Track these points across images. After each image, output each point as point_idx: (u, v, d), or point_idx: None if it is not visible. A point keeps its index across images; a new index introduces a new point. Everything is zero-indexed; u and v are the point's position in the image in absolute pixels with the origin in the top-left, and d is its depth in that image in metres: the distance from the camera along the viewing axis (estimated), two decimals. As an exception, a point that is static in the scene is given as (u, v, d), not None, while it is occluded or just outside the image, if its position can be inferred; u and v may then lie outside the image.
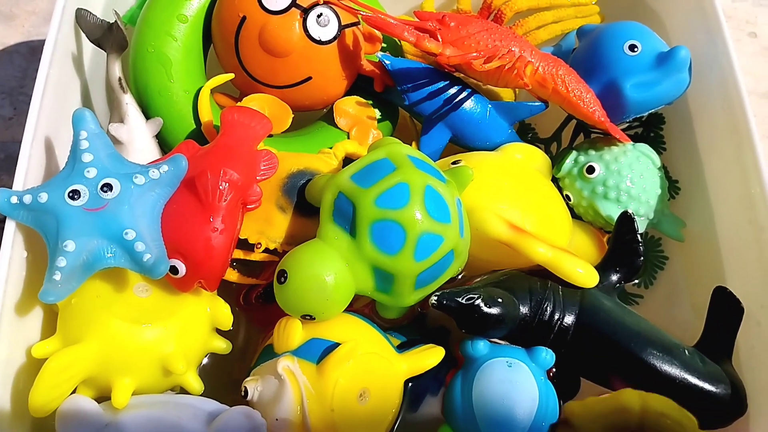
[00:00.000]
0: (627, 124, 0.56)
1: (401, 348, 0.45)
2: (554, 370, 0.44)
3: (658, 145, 0.56)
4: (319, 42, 0.50)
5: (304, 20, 0.49)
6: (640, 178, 0.50)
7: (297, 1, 0.49)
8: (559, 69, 0.51)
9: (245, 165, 0.43)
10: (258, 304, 0.48)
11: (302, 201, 0.46)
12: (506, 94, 0.58)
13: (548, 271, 0.44)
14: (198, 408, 0.41)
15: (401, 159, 0.42)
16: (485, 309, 0.41)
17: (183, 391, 0.44)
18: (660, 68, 0.51)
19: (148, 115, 0.50)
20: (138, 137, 0.49)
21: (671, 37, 0.57)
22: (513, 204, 0.47)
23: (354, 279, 0.41)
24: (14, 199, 0.39)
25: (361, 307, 0.47)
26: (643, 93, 0.50)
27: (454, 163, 0.49)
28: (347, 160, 0.50)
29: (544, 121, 0.57)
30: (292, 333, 0.42)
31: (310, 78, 0.51)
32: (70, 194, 0.39)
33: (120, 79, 0.50)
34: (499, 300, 0.42)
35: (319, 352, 0.41)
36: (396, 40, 0.56)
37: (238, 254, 0.46)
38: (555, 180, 0.53)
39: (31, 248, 0.42)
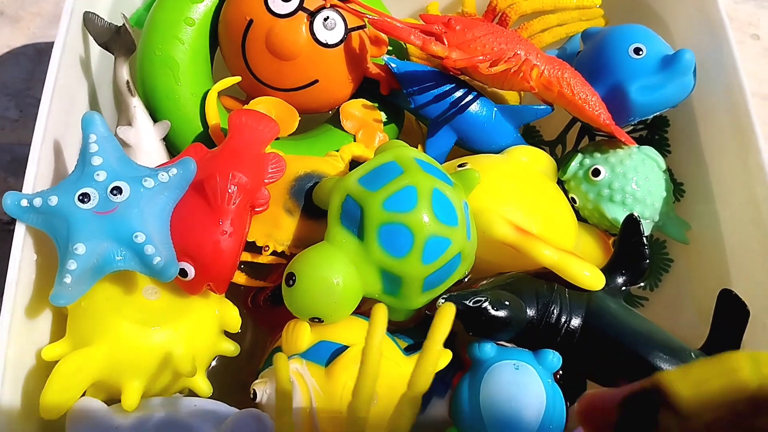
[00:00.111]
0: (632, 127, 0.56)
1: (409, 350, 0.45)
2: (561, 372, 0.44)
3: (663, 147, 0.56)
4: (326, 45, 0.50)
5: (311, 23, 0.50)
6: (645, 181, 0.51)
7: (304, 5, 0.49)
8: (564, 72, 0.51)
9: (253, 168, 0.43)
10: (266, 306, 0.48)
11: (310, 204, 0.46)
12: (511, 97, 0.58)
13: (555, 273, 0.44)
14: (207, 410, 0.41)
15: (408, 162, 0.42)
16: (492, 312, 0.42)
17: (192, 393, 0.44)
18: (665, 71, 0.51)
19: (155, 118, 0.51)
20: (146, 140, 0.49)
21: (675, 40, 0.57)
22: (519, 207, 0.47)
23: (362, 282, 0.42)
24: (24, 202, 0.39)
25: (369, 309, 0.47)
26: (648, 96, 0.51)
27: (460, 165, 0.49)
28: (354, 163, 0.50)
29: (549, 123, 0.57)
30: (300, 336, 0.42)
31: (316, 81, 0.51)
32: (80, 197, 0.39)
33: (128, 82, 0.50)
34: (506, 303, 0.42)
35: (328, 354, 0.41)
36: (402, 43, 0.56)
37: (246, 257, 0.46)
38: (560, 183, 0.53)
39: (41, 251, 0.42)
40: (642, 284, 0.55)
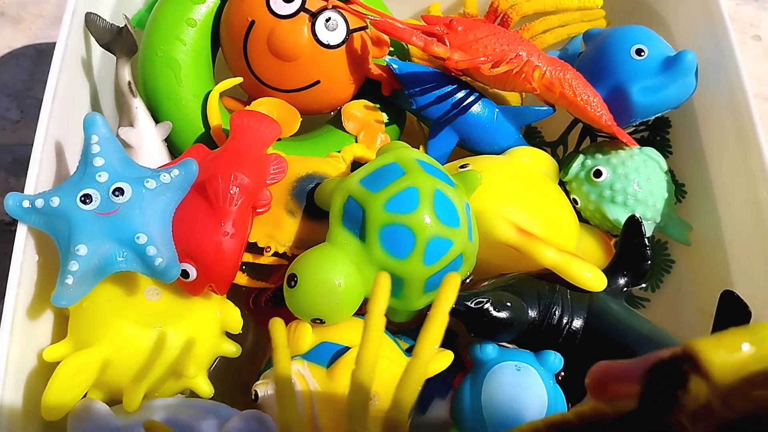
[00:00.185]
0: (633, 128, 0.56)
1: (410, 351, 0.45)
2: (562, 373, 0.44)
3: (664, 148, 0.56)
4: (328, 46, 0.50)
5: (313, 24, 0.50)
6: (647, 182, 0.50)
7: (306, 6, 0.49)
8: (566, 73, 0.51)
9: (255, 169, 0.43)
10: (268, 307, 0.48)
11: (311, 205, 0.46)
12: (513, 98, 0.58)
13: (556, 274, 0.44)
14: (208, 411, 0.41)
15: (410, 163, 0.42)
16: (494, 313, 0.42)
17: (193, 394, 0.44)
18: (666, 72, 0.51)
19: (157, 119, 0.51)
20: (147, 141, 0.49)
21: (677, 41, 0.57)
22: (521, 208, 0.47)
23: (363, 283, 0.42)
24: (26, 203, 0.39)
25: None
26: (649, 97, 0.51)
27: (461, 167, 0.49)
28: (355, 164, 0.50)
29: (551, 125, 0.57)
30: (302, 337, 0.42)
31: (318, 82, 0.51)
32: (82, 198, 0.39)
33: (129, 82, 0.50)
34: (508, 304, 0.42)
35: (329, 355, 0.41)
36: (404, 44, 0.56)
37: (248, 258, 0.46)
38: (562, 184, 0.53)
39: (43, 252, 0.42)
40: (643, 285, 0.55)
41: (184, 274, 0.41)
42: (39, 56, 0.72)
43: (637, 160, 0.51)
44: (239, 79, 0.52)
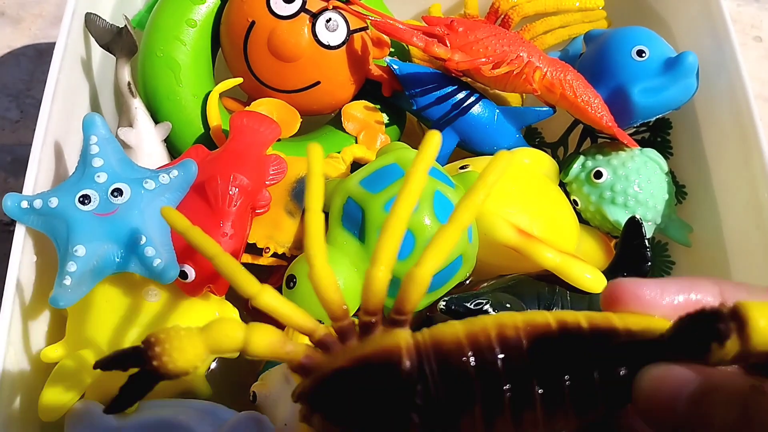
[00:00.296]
0: (634, 129, 0.56)
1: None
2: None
3: (665, 150, 0.56)
4: (328, 47, 0.50)
5: (313, 25, 0.49)
6: (647, 183, 0.50)
7: (306, 6, 0.49)
8: (566, 74, 0.51)
9: (254, 170, 0.43)
10: (266, 308, 0.48)
11: (311, 206, 0.46)
12: (513, 99, 0.58)
13: (556, 276, 0.44)
14: (206, 412, 0.41)
15: (410, 164, 0.42)
16: (493, 314, 0.41)
17: (191, 395, 0.44)
18: (667, 73, 0.51)
19: (156, 120, 0.51)
20: (147, 141, 0.49)
21: (678, 43, 0.57)
22: (521, 209, 0.47)
23: (363, 284, 0.41)
24: (24, 204, 0.39)
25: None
26: (650, 98, 0.50)
27: (462, 168, 0.49)
28: (355, 165, 0.50)
29: (552, 126, 0.57)
30: (300, 338, 0.42)
31: (318, 83, 0.51)
32: (81, 199, 0.39)
33: (129, 83, 0.50)
34: (507, 305, 0.42)
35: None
36: (404, 45, 0.56)
37: (247, 259, 0.46)
38: (562, 185, 0.53)
39: (41, 253, 0.42)
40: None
41: (183, 275, 0.41)
42: (39, 56, 0.72)
43: (638, 162, 0.51)
44: (239, 80, 0.52)
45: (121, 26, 0.50)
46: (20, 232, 0.40)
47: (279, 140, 0.50)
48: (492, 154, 0.53)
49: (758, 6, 0.80)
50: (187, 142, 0.51)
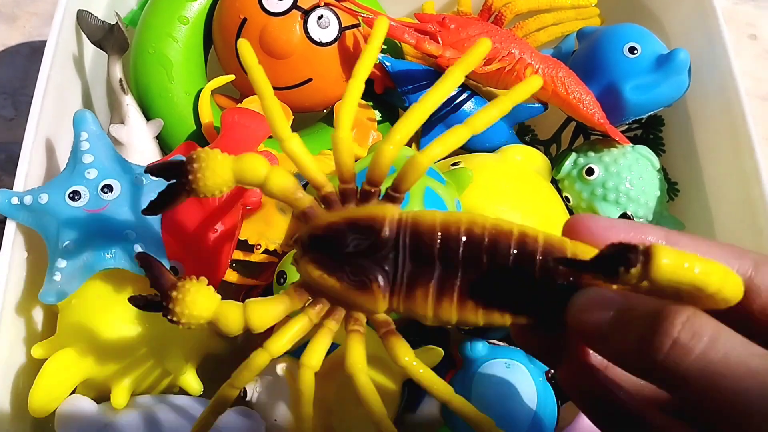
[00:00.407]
0: (626, 126, 0.56)
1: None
2: (552, 371, 0.44)
3: (657, 147, 0.56)
4: (320, 44, 0.50)
5: (305, 22, 0.49)
6: (639, 180, 0.50)
7: (298, 3, 0.49)
8: (558, 71, 0.51)
9: (245, 166, 0.43)
10: (257, 305, 0.48)
11: (302, 202, 0.46)
12: (506, 96, 0.58)
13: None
14: (197, 409, 0.41)
15: (401, 161, 0.42)
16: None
17: (182, 391, 0.44)
18: (659, 70, 0.51)
19: (148, 117, 0.51)
20: (138, 138, 0.49)
21: (671, 40, 0.57)
22: (513, 206, 0.47)
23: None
24: (15, 200, 0.39)
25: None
26: (642, 95, 0.50)
27: (453, 164, 0.49)
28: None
29: (544, 123, 0.57)
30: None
31: (310, 80, 0.51)
32: (71, 195, 0.39)
33: (121, 80, 0.50)
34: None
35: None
36: (396, 42, 0.56)
37: (238, 255, 0.46)
38: (554, 182, 0.53)
39: (32, 249, 0.42)
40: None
41: (173, 271, 0.41)
42: (33, 54, 0.72)
43: (630, 158, 0.51)
44: (231, 77, 0.52)
45: (112, 23, 0.50)
46: (11, 229, 0.40)
47: (271, 137, 0.50)
48: (484, 151, 0.53)
49: (754, 4, 0.80)
50: (178, 138, 0.51)
